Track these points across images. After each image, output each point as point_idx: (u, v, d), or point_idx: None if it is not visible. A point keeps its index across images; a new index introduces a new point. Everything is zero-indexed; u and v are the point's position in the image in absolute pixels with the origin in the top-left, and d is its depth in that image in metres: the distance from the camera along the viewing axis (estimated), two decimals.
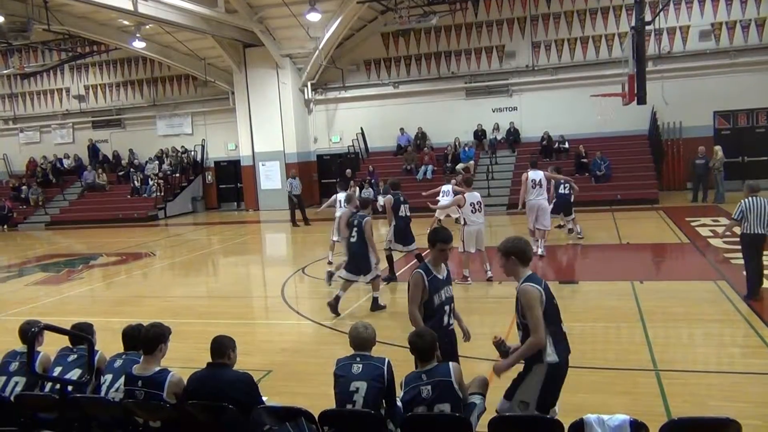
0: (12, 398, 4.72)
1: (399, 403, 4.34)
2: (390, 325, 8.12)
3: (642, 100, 15.29)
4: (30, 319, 5.19)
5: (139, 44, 22.94)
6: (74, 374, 4.81)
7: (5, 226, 25.09)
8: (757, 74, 20.76)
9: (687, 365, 6.38)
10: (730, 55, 21.10)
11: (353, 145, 25.11)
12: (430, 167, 22.86)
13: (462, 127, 23.71)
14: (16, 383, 4.86)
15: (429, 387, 4.11)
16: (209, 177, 27.76)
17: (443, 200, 14.07)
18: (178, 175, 26.68)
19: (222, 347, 4.47)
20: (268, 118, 24.81)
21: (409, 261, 12.91)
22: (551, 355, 4.11)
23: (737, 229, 8.78)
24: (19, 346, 5.03)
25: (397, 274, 11.18)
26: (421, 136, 24.37)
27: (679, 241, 13.43)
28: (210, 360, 4.47)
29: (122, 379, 4.53)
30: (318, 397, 4.94)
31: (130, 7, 18.26)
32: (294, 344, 8.22)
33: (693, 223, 15.02)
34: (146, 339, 4.51)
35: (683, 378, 6.07)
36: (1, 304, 11.20)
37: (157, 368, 4.43)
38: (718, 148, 19.16)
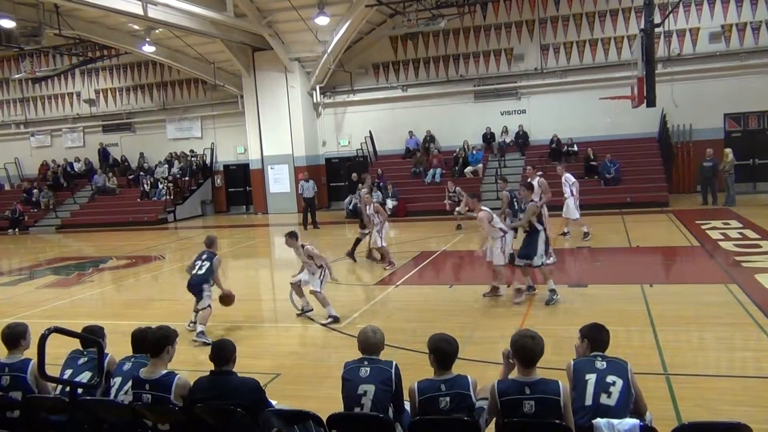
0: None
1: (407, 407, 4.33)
2: (397, 328, 8.10)
3: (651, 103, 15.23)
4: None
5: (148, 48, 23.09)
6: (84, 377, 4.83)
7: (16, 230, 25.27)
8: None
9: (698, 369, 6.33)
10: (741, 57, 20.98)
11: (362, 149, 25.15)
12: (438, 170, 22.86)
13: (471, 130, 23.70)
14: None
15: (448, 398, 4.02)
16: (218, 180, 27.87)
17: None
18: (187, 178, 26.80)
19: (224, 353, 4.45)
20: (277, 122, 24.90)
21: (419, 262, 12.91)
22: None
23: None
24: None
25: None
26: (430, 139, 24.38)
27: (690, 244, 13.34)
28: (213, 366, 4.46)
29: (131, 382, 4.55)
30: (326, 401, 4.94)
31: (140, 12, 18.40)
32: (302, 347, 8.23)
33: (703, 226, 14.92)
34: (153, 342, 4.52)
35: (694, 382, 6.02)
36: (12, 306, 11.28)
37: (164, 371, 4.43)
38: (728, 150, 19.04)
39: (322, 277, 8.93)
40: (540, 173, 12.85)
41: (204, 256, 8.89)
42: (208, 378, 4.42)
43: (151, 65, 27.93)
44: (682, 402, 5.45)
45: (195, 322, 8.66)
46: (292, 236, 9.09)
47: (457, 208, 17.60)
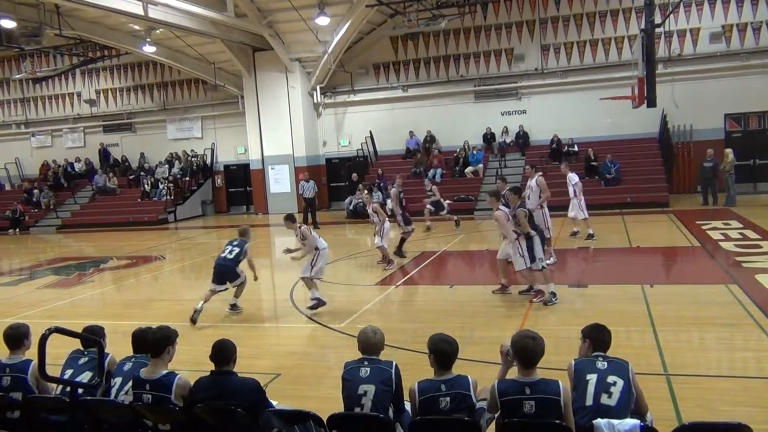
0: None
1: (407, 407, 4.33)
2: (397, 328, 8.11)
3: (652, 103, 15.22)
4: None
5: (149, 49, 23.09)
6: (85, 377, 4.84)
7: (17, 230, 25.28)
8: None
9: (698, 369, 6.32)
10: (741, 57, 20.98)
11: (362, 149, 25.15)
12: (439, 170, 22.87)
13: (471, 130, 23.70)
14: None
15: (448, 399, 4.03)
16: (219, 181, 27.88)
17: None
18: (188, 178, 26.81)
19: (225, 353, 4.46)
20: (278, 122, 24.91)
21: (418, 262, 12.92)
22: None
23: None
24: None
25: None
26: (430, 139, 24.38)
27: (690, 244, 13.34)
28: (213, 366, 4.47)
29: (132, 382, 4.55)
30: (326, 401, 4.94)
31: (141, 12, 18.40)
32: (302, 348, 8.23)
33: (704, 227, 14.92)
34: (153, 342, 4.52)
35: (694, 382, 6.02)
36: (12, 306, 11.28)
37: (165, 371, 4.43)
38: (729, 150, 19.03)
39: (315, 261, 9.28)
40: (540, 173, 12.79)
41: (235, 242, 9.52)
42: (208, 378, 4.42)
43: (151, 65, 27.94)
44: (682, 402, 5.44)
45: (199, 311, 9.06)
46: (288, 218, 9.54)
47: (442, 212, 17.25)
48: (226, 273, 9.34)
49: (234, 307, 9.57)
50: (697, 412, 5.17)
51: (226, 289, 9.45)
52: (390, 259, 12.51)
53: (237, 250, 9.38)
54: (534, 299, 9.09)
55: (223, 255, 9.44)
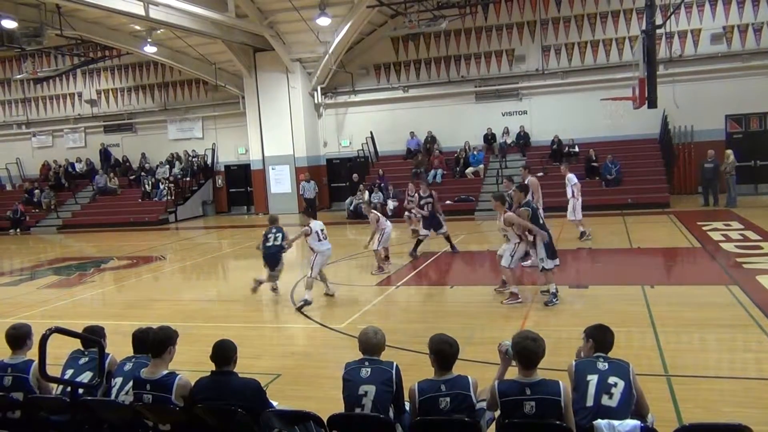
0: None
1: (407, 407, 4.33)
2: (398, 328, 8.11)
3: (653, 104, 15.20)
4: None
5: (150, 49, 23.09)
6: (85, 377, 4.84)
7: (18, 230, 25.29)
8: None
9: (698, 371, 6.32)
10: (742, 58, 20.97)
11: (363, 149, 25.15)
12: (440, 171, 22.87)
13: (472, 131, 23.70)
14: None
15: (448, 399, 4.04)
16: (219, 181, 27.88)
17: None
18: (188, 179, 26.83)
19: (225, 353, 4.46)
20: (278, 123, 24.91)
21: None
22: None
23: None
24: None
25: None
26: (431, 140, 24.38)
27: (691, 245, 13.34)
28: (213, 366, 4.47)
29: (132, 382, 4.55)
30: (327, 401, 4.94)
31: (142, 13, 18.42)
32: (303, 348, 8.23)
33: (704, 228, 14.92)
34: (154, 342, 4.53)
35: (695, 383, 6.02)
36: (13, 306, 11.29)
37: (165, 371, 4.44)
38: (729, 151, 19.02)
39: (313, 262, 9.82)
40: (540, 173, 12.80)
41: (274, 230, 10.52)
42: (209, 378, 4.42)
43: (152, 66, 27.94)
44: (683, 403, 5.44)
45: (260, 282, 10.48)
46: (305, 213, 10.73)
47: (413, 227, 15.57)
48: (274, 258, 10.39)
49: (275, 289, 10.68)
50: (697, 413, 5.17)
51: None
52: (380, 266, 12.43)
53: (280, 234, 10.40)
54: (505, 301, 9.18)
55: (268, 244, 10.37)
